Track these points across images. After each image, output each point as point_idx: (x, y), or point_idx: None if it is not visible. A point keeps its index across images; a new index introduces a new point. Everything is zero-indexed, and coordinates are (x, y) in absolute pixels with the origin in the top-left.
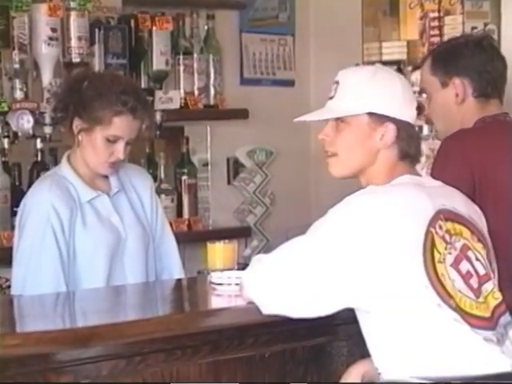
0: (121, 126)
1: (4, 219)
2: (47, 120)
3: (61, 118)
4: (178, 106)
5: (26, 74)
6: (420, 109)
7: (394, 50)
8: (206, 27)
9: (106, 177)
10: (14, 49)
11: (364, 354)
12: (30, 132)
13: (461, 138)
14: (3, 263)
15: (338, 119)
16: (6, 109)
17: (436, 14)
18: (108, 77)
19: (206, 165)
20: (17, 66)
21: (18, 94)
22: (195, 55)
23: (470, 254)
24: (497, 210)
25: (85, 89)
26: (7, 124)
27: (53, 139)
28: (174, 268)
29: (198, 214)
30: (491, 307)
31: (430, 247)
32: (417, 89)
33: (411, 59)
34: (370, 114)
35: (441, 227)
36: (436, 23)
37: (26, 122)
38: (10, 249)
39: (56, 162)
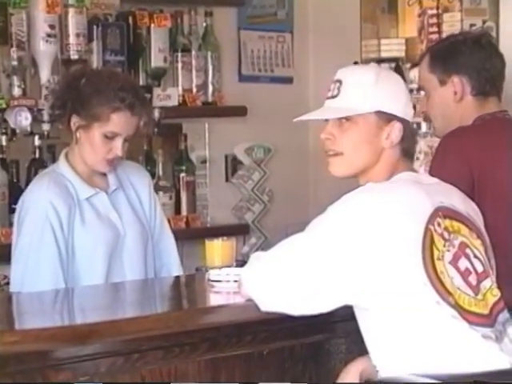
0: (119, 122)
1: (2, 216)
2: (45, 117)
3: (58, 115)
4: (176, 103)
5: (24, 70)
6: (414, 108)
7: (393, 47)
8: (204, 24)
9: (104, 174)
10: (11, 46)
11: (362, 351)
12: (28, 129)
13: (460, 135)
14: (1, 260)
15: (341, 118)
16: (3, 106)
17: (434, 11)
18: (106, 74)
19: (204, 162)
20: (15, 62)
21: (16, 91)
22: (193, 52)
23: (468, 251)
24: (496, 208)
25: (83, 86)
26: (5, 121)
27: (51, 136)
28: (172, 265)
29: (196, 211)
30: (490, 304)
31: (428, 244)
32: (415, 86)
33: (410, 56)
34: (378, 112)
35: (439, 224)
36: (434, 20)
37: (24, 119)
38: (9, 246)
39: (54, 159)
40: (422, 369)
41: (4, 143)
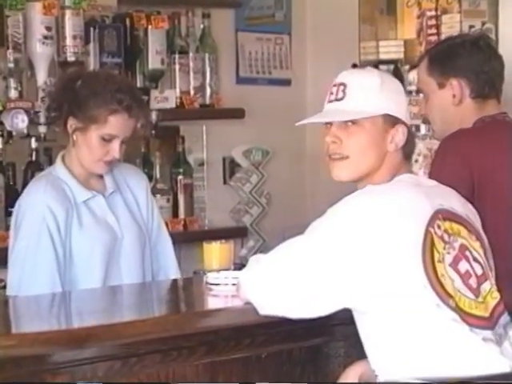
0: (116, 124)
1: None
2: (42, 119)
3: (55, 117)
4: (173, 106)
5: (21, 73)
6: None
7: (391, 48)
8: (201, 26)
9: (101, 177)
10: (8, 48)
11: (361, 354)
12: (25, 131)
13: (459, 137)
14: None
15: (347, 121)
16: (0, 108)
17: (433, 13)
18: (103, 75)
19: (202, 164)
20: (11, 65)
21: (13, 94)
22: (191, 54)
23: (468, 253)
24: (496, 210)
25: (79, 88)
26: (1, 123)
27: (47, 139)
28: (170, 268)
29: (194, 214)
30: (490, 307)
31: (429, 247)
32: (414, 88)
33: (408, 58)
34: (385, 115)
35: (439, 227)
36: (433, 22)
37: (20, 122)
38: (5, 249)
39: (51, 162)
40: (421, 372)
41: (0, 146)
